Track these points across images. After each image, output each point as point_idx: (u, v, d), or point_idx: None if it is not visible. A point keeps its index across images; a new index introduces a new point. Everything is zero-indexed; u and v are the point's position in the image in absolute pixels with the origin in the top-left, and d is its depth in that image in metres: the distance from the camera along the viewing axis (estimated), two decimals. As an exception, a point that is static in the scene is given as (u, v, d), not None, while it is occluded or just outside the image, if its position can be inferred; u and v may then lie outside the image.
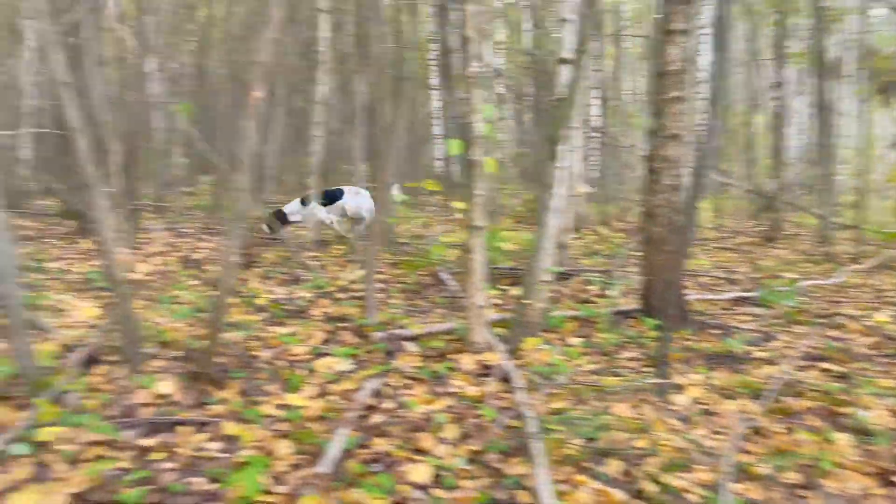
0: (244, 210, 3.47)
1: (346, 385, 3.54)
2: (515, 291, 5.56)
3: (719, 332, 4.62)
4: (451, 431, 3.02)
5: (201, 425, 2.95)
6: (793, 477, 2.70)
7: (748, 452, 2.90)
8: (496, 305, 5.12)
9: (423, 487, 2.57)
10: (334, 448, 2.73)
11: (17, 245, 3.82)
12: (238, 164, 3.36)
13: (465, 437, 2.99)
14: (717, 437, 3.05)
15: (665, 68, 4.59)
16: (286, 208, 7.68)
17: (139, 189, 7.86)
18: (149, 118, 9.49)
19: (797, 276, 6.59)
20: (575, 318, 4.75)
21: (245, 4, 11.62)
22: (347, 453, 2.76)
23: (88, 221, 7.19)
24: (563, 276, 5.91)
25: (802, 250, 8.67)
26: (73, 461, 2.54)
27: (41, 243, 6.75)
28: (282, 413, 3.13)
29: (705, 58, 9.39)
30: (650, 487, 2.57)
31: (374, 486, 2.51)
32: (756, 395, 3.48)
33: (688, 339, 4.41)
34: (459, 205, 4.40)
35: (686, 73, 4.67)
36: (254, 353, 3.90)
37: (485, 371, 3.77)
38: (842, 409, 3.32)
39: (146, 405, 3.08)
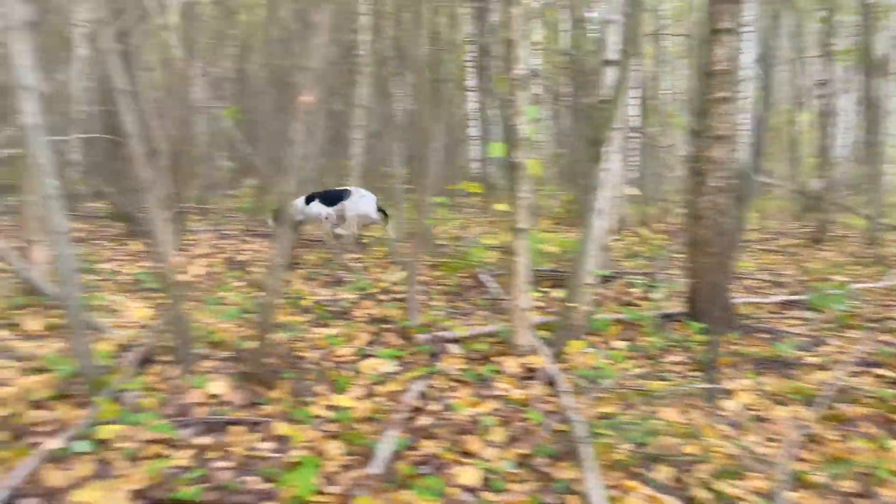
0: (290, 213, 3.52)
1: (392, 386, 3.57)
2: (557, 293, 5.54)
3: (768, 336, 4.54)
4: (497, 434, 3.02)
5: (253, 425, 3.01)
6: (849, 485, 2.64)
7: (803, 460, 2.85)
8: (538, 308, 5.10)
9: (472, 490, 2.58)
10: (384, 449, 2.76)
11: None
12: (282, 167, 3.41)
13: (512, 440, 3.00)
14: (770, 444, 3.00)
15: (711, 68, 4.52)
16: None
17: (184, 192, 8.02)
18: (193, 122, 9.68)
19: (846, 279, 6.42)
20: (619, 321, 4.71)
21: (285, 9, 11.78)
22: (397, 455, 2.79)
23: (137, 224, 7.40)
24: (605, 279, 5.86)
25: (850, 252, 8.45)
26: (133, 458, 2.61)
27: (92, 245, 6.94)
28: (330, 414, 3.17)
29: (747, 56, 9.24)
30: (703, 495, 2.54)
31: (424, 489, 2.52)
32: (809, 401, 3.41)
33: (735, 344, 4.34)
34: (502, 207, 4.40)
35: (732, 73, 4.60)
36: (301, 353, 3.96)
37: (529, 374, 3.77)
38: (898, 417, 3.24)
39: (200, 405, 3.15)
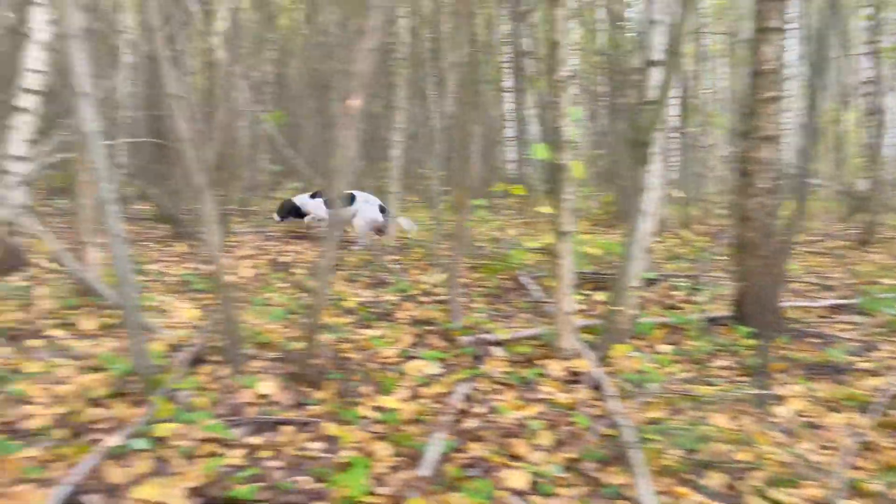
0: (340, 216, 3.57)
1: (437, 388, 3.58)
2: (598, 296, 5.51)
3: (818, 340, 4.44)
4: (544, 438, 3.01)
5: (302, 425, 3.05)
6: (907, 495, 2.57)
7: (858, 468, 2.78)
8: (581, 311, 5.07)
9: (520, 494, 2.58)
10: (432, 452, 2.78)
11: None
12: (322, 169, 3.46)
13: (559, 444, 2.99)
14: (825, 451, 2.94)
15: (759, 67, 4.46)
16: (297, 199, 7.94)
17: (228, 194, 8.17)
18: (236, 125, 9.85)
19: (897, 283, 6.26)
20: (663, 325, 4.66)
21: (325, 13, 11.91)
22: (444, 457, 2.80)
23: (181, 225, 7.56)
24: (648, 281, 5.80)
25: (901, 254, 8.22)
26: (189, 456, 2.67)
27: (139, 246, 7.10)
28: (377, 415, 3.20)
29: (790, 54, 9.05)
30: (757, 503, 2.50)
31: (473, 491, 2.53)
32: (863, 408, 3.33)
33: (784, 348, 4.26)
34: (545, 209, 4.39)
35: (781, 73, 4.52)
36: (346, 355, 4.00)
37: (574, 378, 3.75)
38: (958, 425, 3.14)
39: (250, 404, 3.21)
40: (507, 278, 6.24)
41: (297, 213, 8.01)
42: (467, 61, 5.98)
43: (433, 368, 3.87)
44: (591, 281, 5.83)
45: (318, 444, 2.89)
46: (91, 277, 4.58)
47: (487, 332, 4.43)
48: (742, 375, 3.85)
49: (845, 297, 5.64)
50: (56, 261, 4.96)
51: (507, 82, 15.09)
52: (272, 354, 3.84)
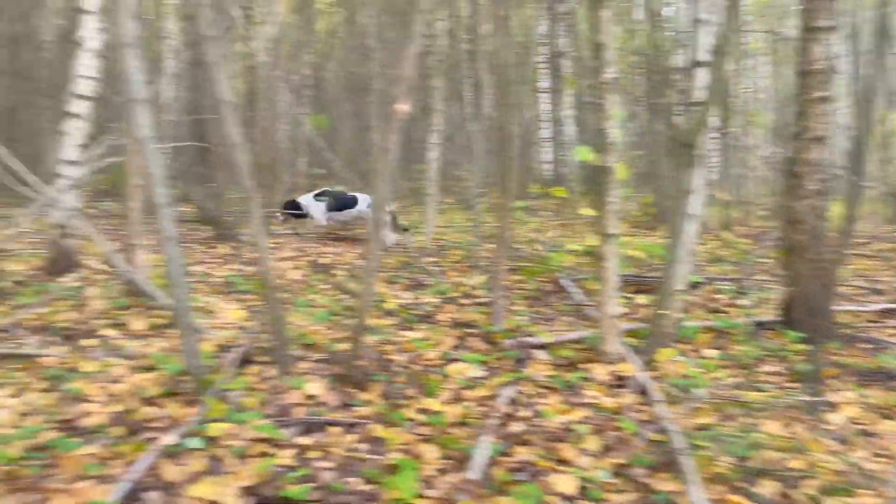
0: (382, 219, 3.59)
1: (481, 391, 3.59)
2: (641, 299, 5.45)
3: (870, 346, 4.34)
4: (592, 443, 3.00)
5: (349, 426, 3.08)
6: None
7: (916, 478, 2.71)
8: (624, 314, 5.02)
9: (569, 499, 2.57)
10: (480, 455, 2.78)
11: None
12: (363, 172, 3.49)
13: (606, 449, 2.97)
14: (879, 459, 2.87)
15: (808, 67, 4.36)
16: (301, 199, 8.00)
17: (269, 196, 8.28)
18: (276, 128, 9.99)
19: (951, 287, 6.07)
20: (709, 329, 4.59)
21: (364, 17, 12.01)
22: (492, 461, 2.80)
23: (223, 227, 7.70)
24: (692, 285, 5.71)
25: (953, 257, 7.96)
26: (241, 456, 2.72)
27: (183, 248, 7.24)
28: (423, 417, 3.22)
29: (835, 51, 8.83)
30: (813, 511, 2.46)
31: (522, 495, 2.53)
32: (919, 416, 3.24)
33: (835, 354, 4.16)
34: (588, 211, 4.36)
35: (831, 73, 4.42)
36: (389, 357, 4.03)
37: (619, 382, 3.72)
38: None
39: (298, 405, 3.25)
40: (546, 281, 6.21)
41: (297, 213, 8.09)
42: (505, 62, 5.97)
43: (475, 371, 3.87)
44: (634, 284, 5.77)
45: (365, 446, 2.92)
46: (140, 279, 4.70)
47: (530, 335, 4.42)
48: (791, 381, 3.77)
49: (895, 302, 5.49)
50: (107, 262, 5.10)
51: (543, 83, 15.01)
52: (317, 356, 3.89)
